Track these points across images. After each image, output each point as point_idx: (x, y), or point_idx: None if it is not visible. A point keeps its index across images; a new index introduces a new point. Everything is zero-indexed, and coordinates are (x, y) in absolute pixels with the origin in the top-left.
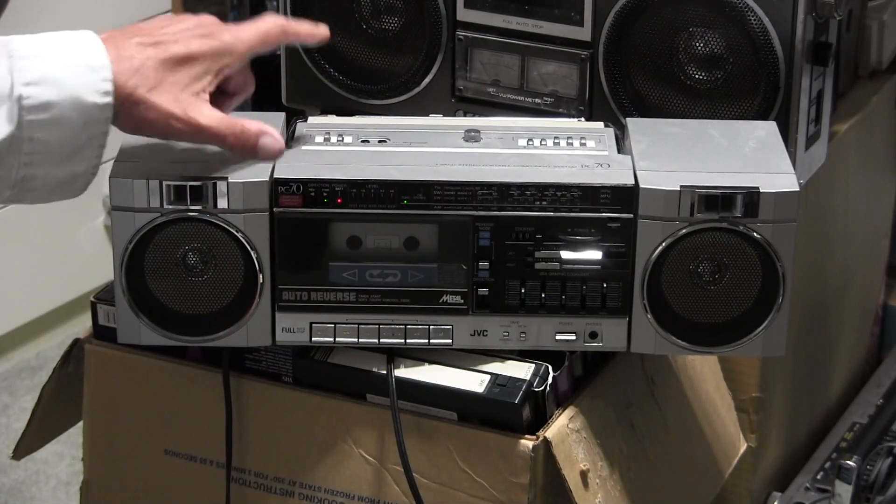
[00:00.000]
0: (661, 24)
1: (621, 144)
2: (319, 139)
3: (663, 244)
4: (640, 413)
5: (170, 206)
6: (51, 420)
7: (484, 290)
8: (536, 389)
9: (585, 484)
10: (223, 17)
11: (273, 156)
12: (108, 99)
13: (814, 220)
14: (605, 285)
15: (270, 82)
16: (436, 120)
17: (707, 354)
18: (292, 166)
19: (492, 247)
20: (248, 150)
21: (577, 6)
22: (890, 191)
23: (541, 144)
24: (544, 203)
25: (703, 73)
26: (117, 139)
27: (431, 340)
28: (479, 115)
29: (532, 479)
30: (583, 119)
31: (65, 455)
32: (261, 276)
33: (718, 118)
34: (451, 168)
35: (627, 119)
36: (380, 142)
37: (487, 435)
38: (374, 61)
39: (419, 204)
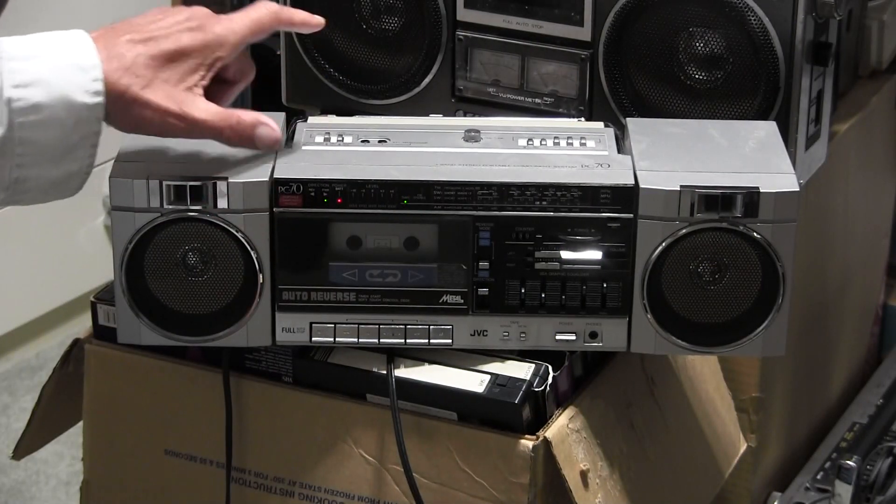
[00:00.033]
0: (661, 24)
1: (621, 144)
2: (319, 139)
3: (663, 244)
4: (640, 413)
5: (170, 206)
6: (51, 420)
7: (484, 290)
8: (536, 389)
9: (585, 484)
10: None
11: (270, 145)
12: (99, 99)
13: (814, 220)
14: (605, 285)
15: (270, 82)
16: (436, 120)
17: (707, 354)
18: (292, 166)
19: (492, 247)
20: (245, 140)
21: (577, 6)
22: (890, 191)
23: (541, 144)
24: (544, 203)
25: (703, 73)
26: (117, 139)
27: (431, 340)
28: (479, 115)
29: (532, 479)
30: (583, 119)
31: (65, 455)
32: (261, 276)
33: (718, 118)
34: (451, 168)
35: (627, 119)
36: (380, 142)
37: (487, 435)
38: (374, 61)
39: (419, 204)
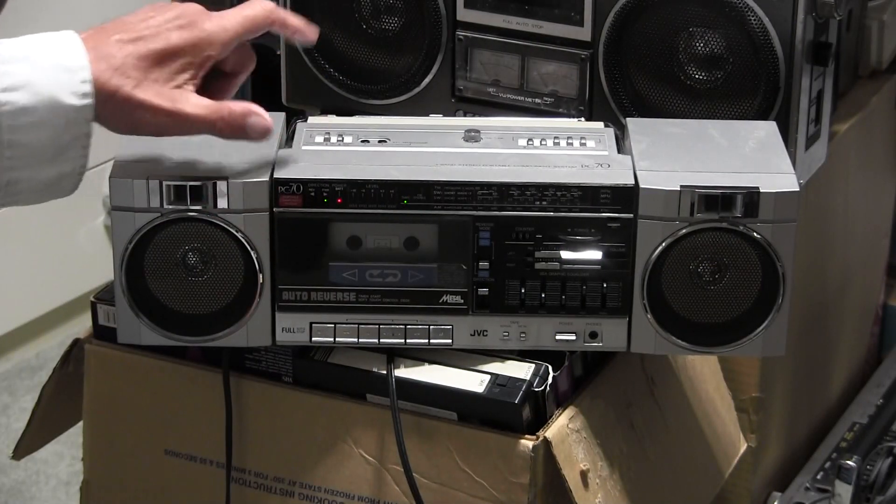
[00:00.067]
0: (661, 24)
1: (621, 144)
2: (319, 139)
3: (663, 244)
4: (640, 413)
5: (170, 206)
6: (51, 420)
7: (484, 290)
8: (536, 389)
9: (585, 484)
10: None
11: (262, 134)
12: (88, 100)
13: (814, 220)
14: (605, 285)
15: (270, 82)
16: (436, 120)
17: (707, 354)
18: (292, 166)
19: (492, 247)
20: (237, 131)
21: (577, 6)
22: (890, 191)
23: (541, 144)
24: (544, 203)
25: (703, 73)
26: (117, 139)
27: (431, 340)
28: (479, 115)
29: (532, 479)
30: (583, 119)
31: (65, 455)
32: (261, 276)
33: (718, 118)
34: (451, 168)
35: (627, 119)
36: (380, 142)
37: (487, 435)
38: (374, 61)
39: (419, 204)
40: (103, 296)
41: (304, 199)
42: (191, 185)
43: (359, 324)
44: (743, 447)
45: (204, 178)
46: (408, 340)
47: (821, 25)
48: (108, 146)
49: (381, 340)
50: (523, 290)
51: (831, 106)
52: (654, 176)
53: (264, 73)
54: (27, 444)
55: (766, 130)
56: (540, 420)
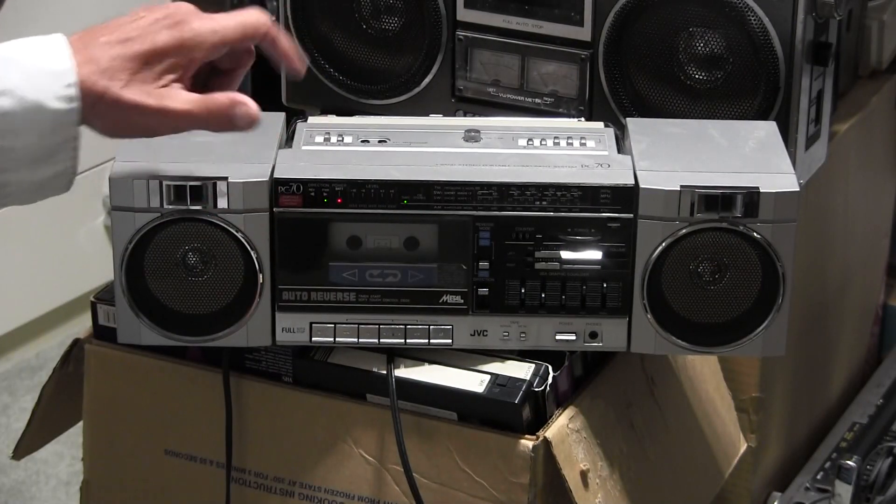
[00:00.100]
0: (661, 24)
1: (621, 144)
2: (319, 139)
3: (663, 244)
4: (640, 413)
5: (170, 206)
6: (51, 420)
7: (484, 290)
8: (536, 389)
9: (585, 484)
10: None
11: (250, 123)
12: (74, 104)
13: (814, 220)
14: (605, 285)
15: (270, 82)
16: (436, 120)
17: (707, 354)
18: (292, 166)
19: (492, 247)
20: (224, 122)
21: (577, 6)
22: (890, 191)
23: (541, 144)
24: (544, 203)
25: (703, 73)
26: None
27: (431, 340)
28: (479, 115)
29: (532, 479)
30: (583, 119)
31: (65, 455)
32: (261, 276)
33: (718, 118)
34: (451, 168)
35: (627, 119)
36: (380, 142)
37: (487, 435)
38: (374, 61)
39: (419, 204)
40: (103, 296)
41: (304, 199)
42: (191, 185)
43: (359, 324)
44: (743, 447)
45: (204, 178)
46: (408, 340)
47: (821, 25)
48: (108, 146)
49: (381, 340)
50: (523, 290)
51: (831, 106)
52: (654, 176)
53: (264, 73)
54: (27, 444)
55: (766, 130)
56: (540, 420)
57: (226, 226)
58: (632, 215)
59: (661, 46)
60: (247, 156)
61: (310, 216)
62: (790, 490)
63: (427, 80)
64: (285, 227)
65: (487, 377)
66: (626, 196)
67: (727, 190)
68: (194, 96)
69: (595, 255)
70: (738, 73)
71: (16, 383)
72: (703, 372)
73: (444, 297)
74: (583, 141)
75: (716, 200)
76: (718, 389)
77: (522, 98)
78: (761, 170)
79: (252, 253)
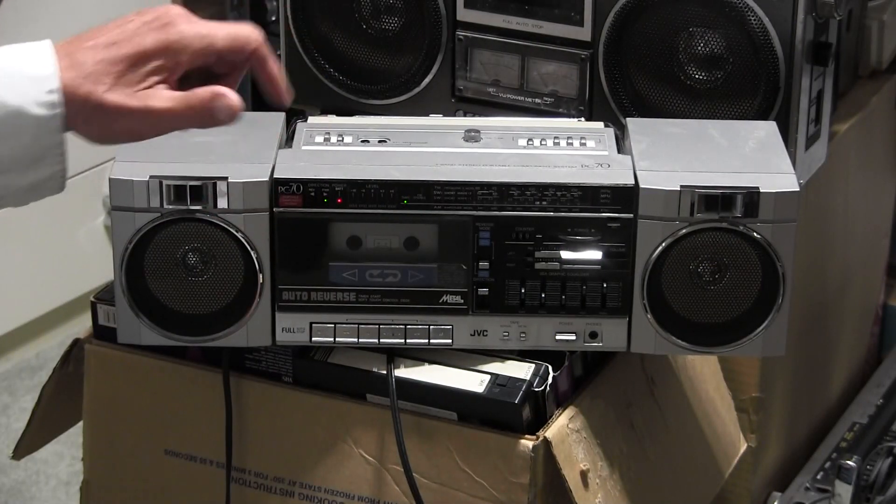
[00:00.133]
0: (661, 24)
1: (621, 144)
2: (319, 139)
3: (663, 244)
4: (640, 413)
5: (170, 206)
6: (51, 420)
7: (484, 290)
8: (536, 389)
9: (585, 484)
10: (223, 17)
11: (230, 115)
12: (56, 110)
13: (814, 220)
14: (605, 285)
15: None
16: (436, 120)
17: (707, 354)
18: (292, 166)
19: (492, 247)
20: (207, 117)
21: (577, 6)
22: (890, 191)
23: (541, 144)
24: (544, 203)
25: (703, 73)
26: None
27: (431, 340)
28: (479, 115)
29: (532, 479)
30: (583, 119)
31: (65, 455)
32: (261, 276)
33: (718, 118)
34: (451, 168)
35: (627, 119)
36: (380, 142)
37: (487, 435)
38: (374, 61)
39: (419, 204)
40: (103, 296)
41: (304, 199)
42: (191, 185)
43: (359, 324)
44: (743, 447)
45: (204, 178)
46: (408, 340)
47: (821, 25)
48: (107, 146)
49: (381, 340)
50: (523, 290)
51: (831, 106)
52: (654, 176)
53: None
54: (27, 444)
55: (766, 130)
56: (540, 420)
57: (226, 226)
58: (632, 215)
59: (661, 46)
60: (247, 156)
61: (310, 216)
62: (790, 490)
63: (427, 80)
64: (285, 227)
65: (487, 377)
66: (626, 196)
67: (727, 190)
68: (176, 94)
69: (595, 255)
70: (738, 73)
71: (16, 383)
72: (703, 372)
73: (444, 297)
74: (583, 141)
75: (716, 200)
76: (718, 389)
77: (522, 98)
78: (761, 170)
79: (252, 253)
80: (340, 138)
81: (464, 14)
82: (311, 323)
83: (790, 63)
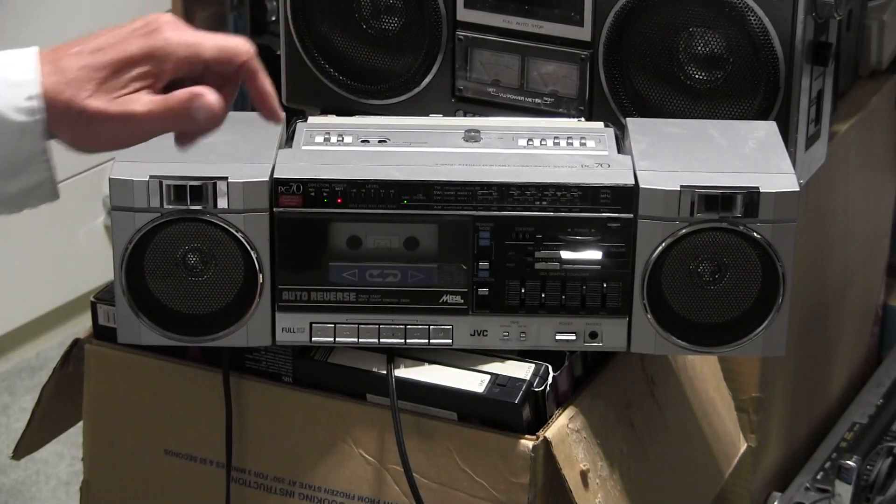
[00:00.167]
0: (661, 24)
1: (621, 144)
2: (319, 139)
3: (663, 244)
4: (640, 413)
5: (170, 206)
6: (51, 420)
7: (484, 290)
8: (536, 389)
9: (585, 484)
10: (223, 17)
11: (209, 117)
12: (36, 116)
13: (814, 220)
14: (605, 285)
15: (270, 82)
16: (436, 120)
17: (707, 354)
18: (292, 166)
19: (492, 247)
20: (186, 119)
21: (577, 6)
22: (890, 191)
23: (541, 144)
24: (544, 203)
25: (703, 73)
26: None
27: (431, 340)
28: (479, 115)
29: (532, 479)
30: (583, 119)
31: (65, 455)
32: (261, 276)
33: (718, 118)
34: (451, 168)
35: (627, 119)
36: (380, 142)
37: (487, 435)
38: (374, 61)
39: (419, 204)
40: (103, 296)
41: (304, 199)
42: (191, 185)
43: (359, 324)
44: (743, 447)
45: (204, 178)
46: (408, 340)
47: (821, 25)
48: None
49: (381, 340)
50: (523, 290)
51: (831, 106)
52: (654, 176)
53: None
54: (27, 444)
55: (766, 130)
56: (540, 420)
57: (226, 226)
58: (632, 215)
59: (661, 46)
60: (247, 156)
61: (310, 216)
62: (790, 490)
63: (427, 80)
64: (285, 227)
65: (487, 377)
66: (626, 196)
67: (727, 190)
68: (155, 97)
69: (595, 255)
70: (738, 73)
71: (16, 383)
72: (703, 372)
73: (444, 297)
74: (583, 141)
75: (716, 200)
76: (718, 389)
77: (522, 98)
78: (761, 170)
79: (252, 253)
80: (340, 138)
81: (464, 14)
82: (311, 323)
83: (790, 63)
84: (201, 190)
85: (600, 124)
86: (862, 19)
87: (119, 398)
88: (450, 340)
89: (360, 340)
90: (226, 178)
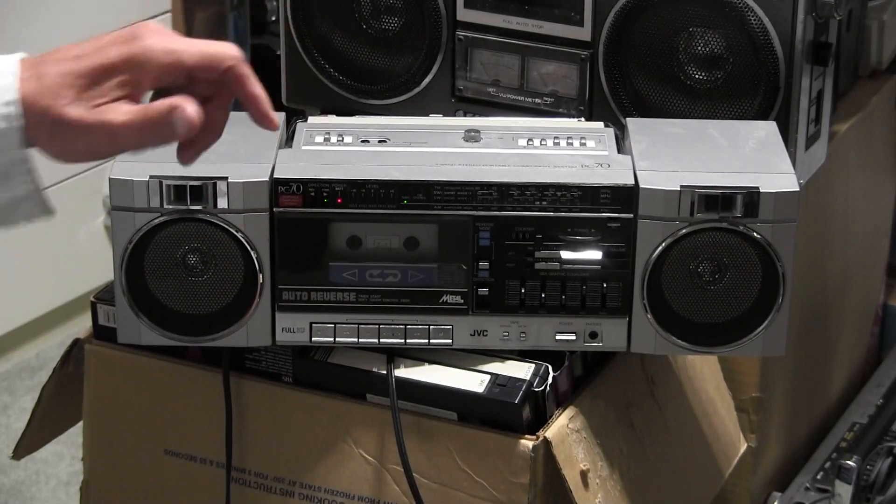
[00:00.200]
0: (661, 24)
1: (621, 144)
2: (319, 139)
3: (663, 244)
4: (640, 413)
5: (170, 206)
6: (51, 420)
7: (484, 290)
8: (536, 389)
9: (585, 484)
10: (223, 17)
11: (188, 128)
12: (13, 123)
13: (814, 220)
14: (605, 285)
15: (270, 82)
16: (436, 120)
17: (707, 354)
18: (292, 166)
19: (492, 247)
20: (165, 131)
21: (577, 6)
22: (890, 191)
23: (541, 144)
24: (544, 203)
25: (703, 73)
26: None
27: (431, 340)
28: (479, 115)
29: (532, 479)
30: (583, 119)
31: (65, 455)
32: (261, 276)
33: (718, 118)
34: (451, 168)
35: (627, 119)
36: (380, 142)
37: (487, 435)
38: (374, 61)
39: (419, 204)
40: (103, 296)
41: (304, 199)
42: (191, 185)
43: (359, 324)
44: (743, 447)
45: (204, 178)
46: (408, 340)
47: (821, 25)
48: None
49: (381, 340)
50: (523, 290)
51: (831, 106)
52: (654, 176)
53: (264, 74)
54: (27, 444)
55: (766, 130)
56: (540, 420)
57: (226, 226)
58: (632, 215)
59: (661, 46)
60: (247, 156)
61: (310, 216)
62: (790, 490)
63: (427, 80)
64: (285, 227)
65: (487, 377)
66: (626, 196)
67: (727, 190)
68: (135, 107)
69: (595, 255)
70: (738, 73)
71: (16, 383)
72: (703, 372)
73: (444, 297)
74: (583, 141)
75: (716, 200)
76: (718, 389)
77: (522, 98)
78: (761, 170)
79: (252, 253)
80: (340, 138)
81: (464, 14)
82: (311, 323)
83: (790, 63)
84: (201, 190)
85: (600, 124)
86: (862, 19)
87: (119, 398)
88: (450, 340)
89: (360, 340)
90: (226, 178)
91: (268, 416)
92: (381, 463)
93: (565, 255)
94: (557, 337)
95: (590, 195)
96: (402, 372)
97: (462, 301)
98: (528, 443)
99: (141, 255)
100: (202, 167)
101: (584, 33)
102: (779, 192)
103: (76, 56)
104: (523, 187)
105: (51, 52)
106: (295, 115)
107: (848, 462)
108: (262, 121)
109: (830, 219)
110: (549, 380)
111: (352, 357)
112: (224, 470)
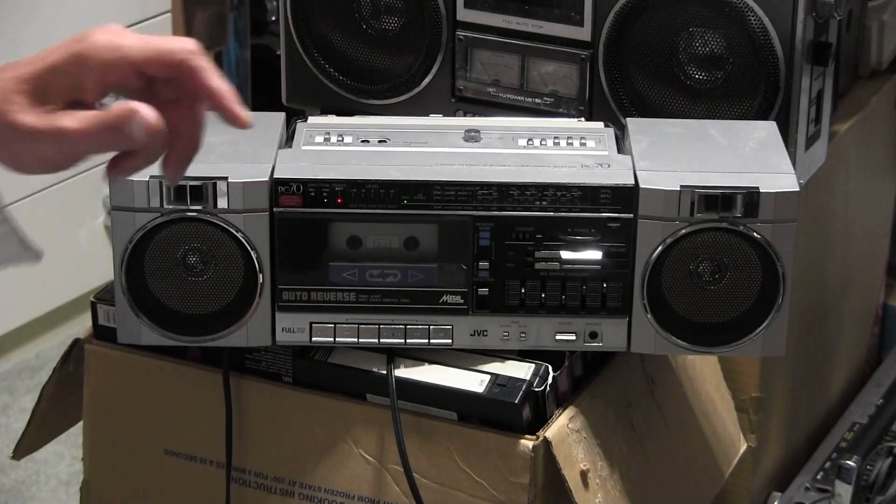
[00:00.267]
0: (661, 24)
1: (621, 144)
2: (319, 139)
3: (663, 244)
4: (640, 413)
5: (170, 206)
6: (51, 420)
7: (484, 290)
8: (536, 389)
9: (585, 484)
10: (223, 17)
11: (147, 135)
12: None
13: (814, 220)
14: (605, 285)
15: (270, 82)
16: (436, 120)
17: (707, 354)
18: (292, 166)
19: (492, 247)
20: (122, 137)
21: (577, 6)
22: (890, 191)
23: (541, 144)
24: (544, 203)
25: (703, 73)
26: None
27: (431, 340)
28: (479, 115)
29: (532, 479)
30: (583, 119)
31: (65, 455)
32: (261, 276)
33: (718, 118)
34: (451, 168)
35: (627, 119)
36: (380, 142)
37: (487, 435)
38: (374, 61)
39: (419, 204)
40: (103, 296)
41: (304, 199)
42: (191, 185)
43: (359, 324)
44: (743, 447)
45: (204, 178)
46: (408, 340)
47: (821, 25)
48: None
49: (381, 340)
50: (523, 290)
51: (831, 106)
52: (654, 176)
53: (264, 73)
54: (27, 444)
55: (766, 130)
56: (540, 420)
57: (226, 226)
58: (632, 215)
59: (661, 46)
60: (247, 156)
61: (310, 216)
62: (790, 490)
63: (427, 80)
64: (285, 227)
65: (487, 377)
66: (626, 196)
67: (727, 190)
68: (90, 113)
69: (595, 255)
70: (738, 73)
71: (16, 383)
72: (703, 372)
73: (444, 297)
74: (583, 141)
75: (716, 200)
76: (718, 389)
77: (522, 98)
78: (761, 170)
79: (252, 253)
80: (340, 138)
81: (464, 14)
82: (311, 323)
83: (790, 63)
84: (201, 190)
85: (600, 124)
86: (862, 19)
87: (119, 398)
88: (450, 340)
89: (360, 340)
90: (226, 178)
91: (268, 416)
92: (381, 463)
93: (565, 255)
94: (557, 337)
95: (590, 195)
96: (402, 372)
97: (462, 301)
98: (528, 443)
99: (141, 255)
100: (202, 167)
101: (583, 33)
102: (779, 192)
103: (27, 62)
104: (523, 187)
105: (5, 64)
106: (295, 115)
107: (848, 462)
108: (228, 117)
109: (830, 219)
110: (549, 380)
111: (352, 357)
112: (224, 470)
